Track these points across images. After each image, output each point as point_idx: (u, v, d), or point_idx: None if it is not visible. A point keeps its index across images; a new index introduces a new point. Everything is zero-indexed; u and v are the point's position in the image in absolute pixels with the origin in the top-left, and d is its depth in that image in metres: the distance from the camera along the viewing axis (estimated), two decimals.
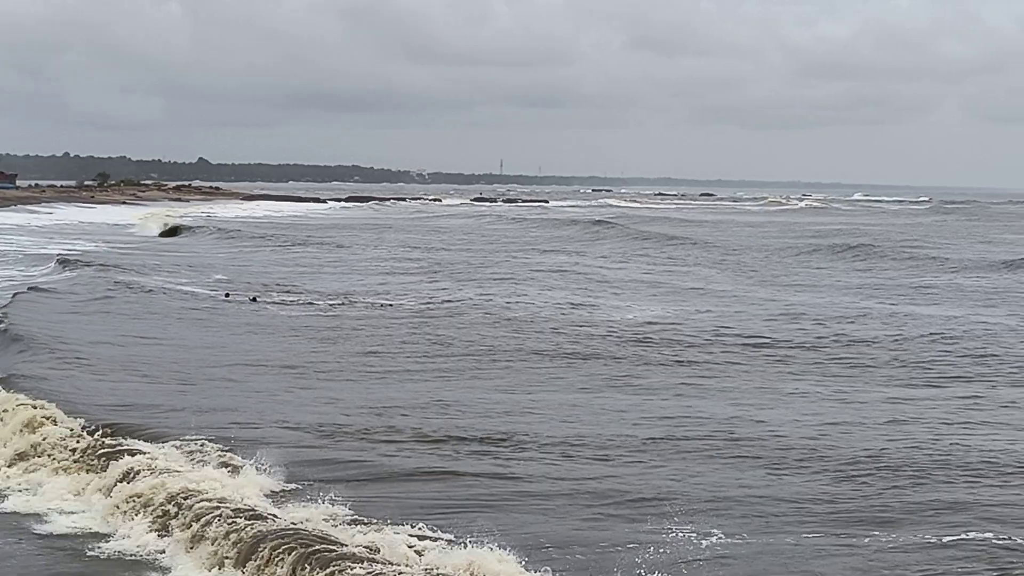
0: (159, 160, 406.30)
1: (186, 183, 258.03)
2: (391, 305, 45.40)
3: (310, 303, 45.96)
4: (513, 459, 21.22)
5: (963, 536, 16.82)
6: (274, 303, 45.77)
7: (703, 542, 16.62)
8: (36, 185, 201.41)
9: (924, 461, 21.15)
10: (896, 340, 36.56)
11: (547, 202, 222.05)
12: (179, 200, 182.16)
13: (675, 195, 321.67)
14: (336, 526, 16.84)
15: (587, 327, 39.15)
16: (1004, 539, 16.68)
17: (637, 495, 18.95)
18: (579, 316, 42.49)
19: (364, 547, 15.74)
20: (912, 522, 17.57)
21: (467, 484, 19.66)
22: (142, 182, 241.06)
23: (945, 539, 16.73)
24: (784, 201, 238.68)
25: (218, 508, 17.44)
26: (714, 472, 20.50)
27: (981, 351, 34.45)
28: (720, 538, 16.77)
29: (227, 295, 48.21)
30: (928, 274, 63.75)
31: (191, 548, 16.80)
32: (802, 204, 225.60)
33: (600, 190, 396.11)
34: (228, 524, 16.77)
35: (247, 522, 16.74)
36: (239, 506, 17.63)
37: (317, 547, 15.54)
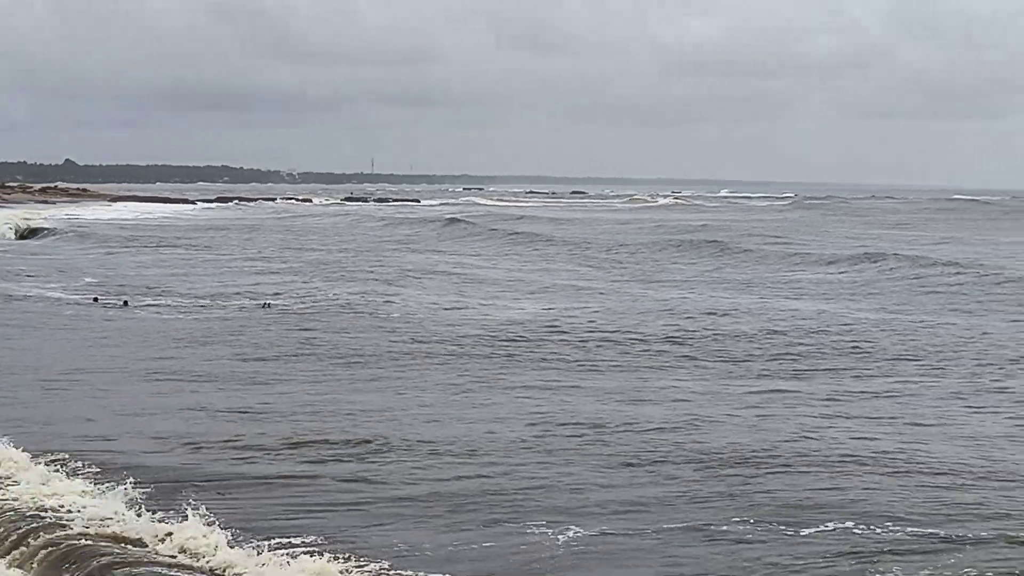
0: (24, 162, 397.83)
1: (52, 185, 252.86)
2: (266, 306, 44.90)
3: (182, 305, 45.19)
4: (377, 461, 21.00)
5: (824, 527, 17.04)
6: (145, 306, 44.95)
7: (560, 538, 16.67)
8: None
9: (789, 454, 21.39)
10: (766, 334, 37.16)
11: (418, 201, 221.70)
12: (45, 202, 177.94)
13: (546, 193, 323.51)
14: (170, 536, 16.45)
15: (459, 326, 39.13)
16: (864, 529, 16.94)
17: (498, 494, 18.92)
18: (451, 315, 42.46)
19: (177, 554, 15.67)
20: (774, 513, 17.74)
21: (327, 488, 19.39)
22: (7, 184, 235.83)
23: (806, 530, 16.94)
24: (650, 199, 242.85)
25: (41, 522, 17.01)
26: (579, 469, 20.48)
27: (847, 344, 35.12)
28: (577, 533, 16.84)
29: (95, 299, 47.38)
30: (793, 268, 64.96)
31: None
32: (665, 201, 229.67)
33: (471, 188, 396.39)
34: (46, 536, 16.35)
35: (61, 532, 16.42)
36: (63, 519, 17.14)
37: (123, 557, 15.39)
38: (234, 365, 31.50)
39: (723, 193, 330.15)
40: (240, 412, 25.12)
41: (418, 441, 22.37)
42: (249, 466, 20.72)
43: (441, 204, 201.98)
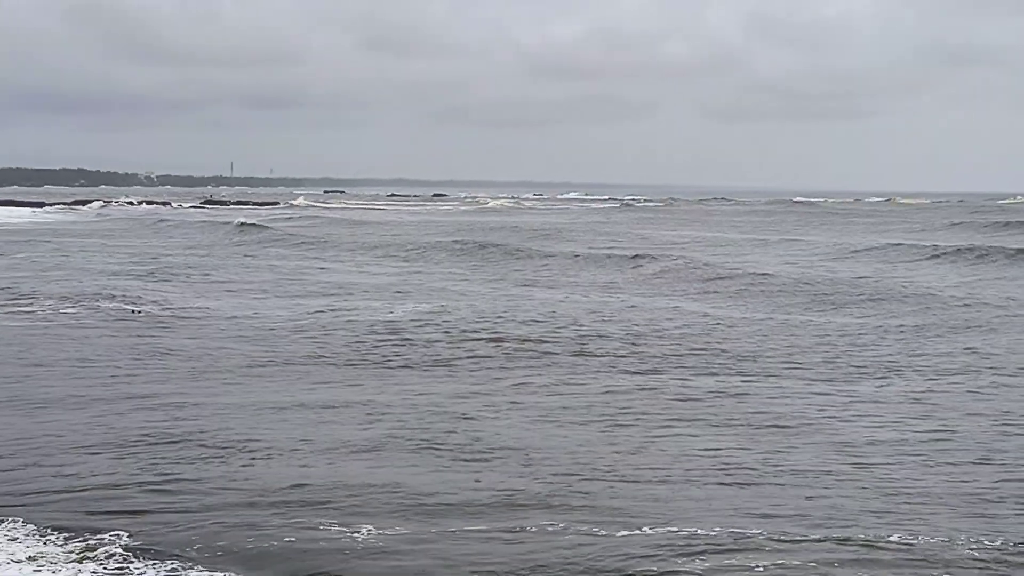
0: None
1: None
2: (135, 312, 43.71)
3: (32, 310, 43.67)
4: (192, 467, 20.62)
5: (643, 531, 17.09)
6: None
7: (356, 535, 16.84)
8: None
9: (596, 450, 21.83)
10: (627, 333, 38.01)
11: (278, 203, 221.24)
12: None
13: (406, 196, 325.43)
14: None
15: (312, 330, 38.79)
16: (691, 530, 17.10)
17: (297, 495, 18.91)
18: (313, 320, 41.66)
19: None
20: (591, 516, 17.84)
21: (134, 495, 18.98)
22: None
23: (623, 532, 17.03)
24: (481, 201, 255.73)
25: None
26: (392, 472, 20.39)
27: (652, 340, 36.10)
28: (371, 531, 16.99)
29: None
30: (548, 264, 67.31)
31: None
32: (496, 203, 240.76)
33: (331, 191, 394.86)
34: None
35: None
36: None
37: None
38: (74, 384, 29.23)
39: (571, 195, 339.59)
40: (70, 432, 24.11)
41: (240, 449, 22.02)
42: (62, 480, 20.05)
43: (287, 207, 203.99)
